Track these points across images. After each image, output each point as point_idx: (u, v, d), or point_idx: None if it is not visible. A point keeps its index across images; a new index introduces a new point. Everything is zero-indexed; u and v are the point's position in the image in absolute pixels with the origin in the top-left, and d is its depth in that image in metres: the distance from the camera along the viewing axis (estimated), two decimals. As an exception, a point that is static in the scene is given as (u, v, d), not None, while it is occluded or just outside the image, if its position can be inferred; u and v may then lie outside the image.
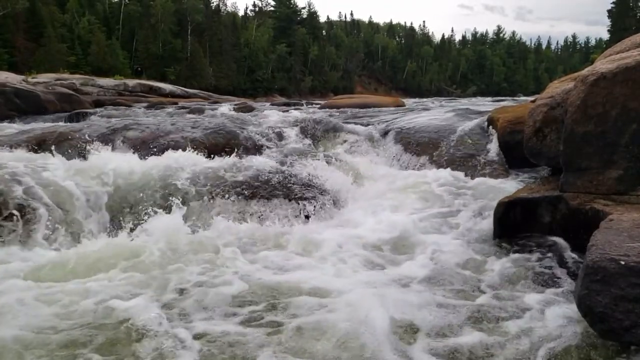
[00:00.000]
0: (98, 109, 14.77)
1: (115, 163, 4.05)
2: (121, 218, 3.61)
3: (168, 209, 3.60)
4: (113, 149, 5.12)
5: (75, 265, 2.73)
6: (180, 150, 4.81)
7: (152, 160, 4.36)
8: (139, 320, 2.07)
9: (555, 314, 2.14)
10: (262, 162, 4.52)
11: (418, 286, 2.52)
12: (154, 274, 2.67)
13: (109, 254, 2.88)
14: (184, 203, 3.67)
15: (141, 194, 3.77)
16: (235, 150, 5.41)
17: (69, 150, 4.96)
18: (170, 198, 3.72)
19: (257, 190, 3.95)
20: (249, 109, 13.71)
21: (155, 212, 3.49)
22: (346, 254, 3.03)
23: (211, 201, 3.81)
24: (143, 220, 3.45)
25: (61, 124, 10.03)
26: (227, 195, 3.84)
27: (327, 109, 11.39)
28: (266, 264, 2.89)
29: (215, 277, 2.65)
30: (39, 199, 3.33)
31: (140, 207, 3.66)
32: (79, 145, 5.12)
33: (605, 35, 49.33)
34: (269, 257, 3.01)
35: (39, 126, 7.59)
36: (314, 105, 16.43)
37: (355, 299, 2.24)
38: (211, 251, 3.04)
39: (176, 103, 20.44)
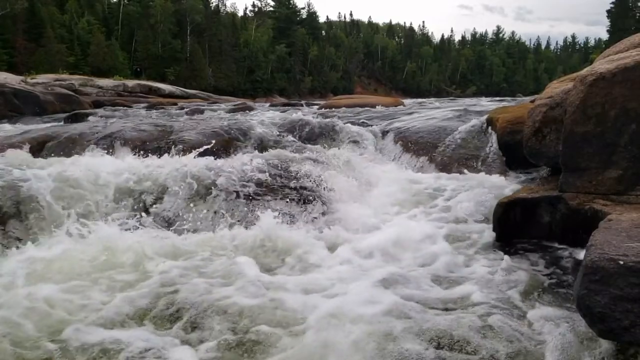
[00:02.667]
0: (97, 110, 14.76)
1: (97, 166, 3.99)
2: (91, 222, 3.42)
3: (141, 214, 3.54)
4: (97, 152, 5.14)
5: (36, 271, 2.59)
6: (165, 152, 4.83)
7: (130, 163, 4.28)
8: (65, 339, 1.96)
9: (556, 317, 2.14)
10: (250, 163, 4.38)
11: (421, 309, 2.27)
12: (116, 286, 2.49)
13: (73, 261, 2.74)
14: (159, 206, 3.60)
15: (117, 198, 3.68)
16: (220, 153, 5.32)
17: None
18: (146, 203, 3.65)
19: (243, 192, 3.80)
20: (249, 109, 13.70)
21: (125, 219, 3.39)
22: (337, 267, 2.79)
23: (191, 204, 3.66)
24: (110, 225, 3.32)
25: (53, 123, 10.05)
26: (209, 197, 3.73)
27: (327, 109, 11.39)
28: (243, 279, 2.55)
29: (178, 295, 2.37)
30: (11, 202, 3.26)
31: (113, 211, 3.56)
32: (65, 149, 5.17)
33: (605, 36, 49.51)
34: (248, 269, 2.71)
35: (30, 128, 7.58)
36: (313, 106, 16.44)
37: (344, 346, 1.92)
38: (180, 260, 2.82)
39: (175, 104, 20.46)
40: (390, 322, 2.13)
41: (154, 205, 3.69)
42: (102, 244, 2.94)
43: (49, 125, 9.05)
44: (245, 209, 3.68)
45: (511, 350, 1.91)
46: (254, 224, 3.46)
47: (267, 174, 4.10)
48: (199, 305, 2.29)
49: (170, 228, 3.48)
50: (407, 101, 18.20)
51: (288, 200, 3.85)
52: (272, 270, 2.84)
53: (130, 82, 27.77)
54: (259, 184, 3.94)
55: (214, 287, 2.48)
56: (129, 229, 3.34)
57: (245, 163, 4.27)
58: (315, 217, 3.78)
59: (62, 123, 10.34)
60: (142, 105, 19.31)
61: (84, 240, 3.04)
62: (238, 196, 3.77)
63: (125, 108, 16.86)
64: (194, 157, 4.61)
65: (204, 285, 2.50)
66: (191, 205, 3.68)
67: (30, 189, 3.45)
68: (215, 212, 3.63)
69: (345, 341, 1.95)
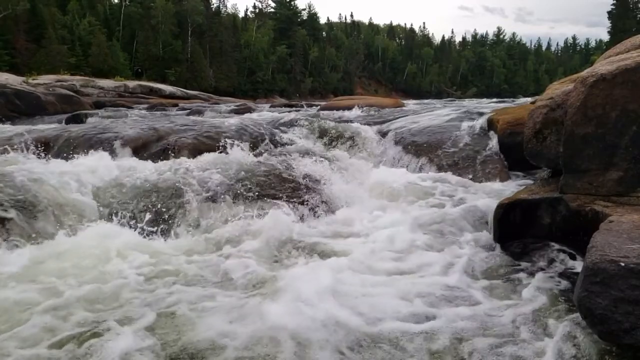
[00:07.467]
0: (98, 110, 14.78)
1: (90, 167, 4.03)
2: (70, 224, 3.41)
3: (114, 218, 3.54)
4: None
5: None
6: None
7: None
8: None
9: (557, 318, 2.14)
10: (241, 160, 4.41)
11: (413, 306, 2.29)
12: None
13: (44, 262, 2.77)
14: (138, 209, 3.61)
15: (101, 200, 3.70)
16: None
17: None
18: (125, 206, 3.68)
19: (230, 191, 3.81)
20: (248, 110, 13.72)
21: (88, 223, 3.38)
22: (324, 280, 2.60)
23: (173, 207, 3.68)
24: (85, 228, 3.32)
25: (54, 124, 10.07)
26: (192, 198, 3.75)
27: (327, 110, 11.39)
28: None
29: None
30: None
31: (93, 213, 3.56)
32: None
33: (606, 37, 49.50)
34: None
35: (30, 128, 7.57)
36: (314, 107, 16.46)
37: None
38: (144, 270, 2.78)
39: (176, 104, 20.48)
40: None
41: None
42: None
43: (50, 126, 9.04)
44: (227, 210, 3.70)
45: (511, 351, 1.91)
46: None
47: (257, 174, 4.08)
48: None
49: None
50: (408, 102, 18.20)
51: (273, 197, 3.85)
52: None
53: (131, 83, 27.77)
54: (244, 183, 3.93)
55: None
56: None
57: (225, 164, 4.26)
58: (301, 216, 3.76)
59: (63, 124, 10.36)
60: (143, 106, 19.34)
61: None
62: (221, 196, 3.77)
63: (126, 109, 16.87)
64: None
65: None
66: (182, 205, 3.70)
67: (33, 189, 3.44)
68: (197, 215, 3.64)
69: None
